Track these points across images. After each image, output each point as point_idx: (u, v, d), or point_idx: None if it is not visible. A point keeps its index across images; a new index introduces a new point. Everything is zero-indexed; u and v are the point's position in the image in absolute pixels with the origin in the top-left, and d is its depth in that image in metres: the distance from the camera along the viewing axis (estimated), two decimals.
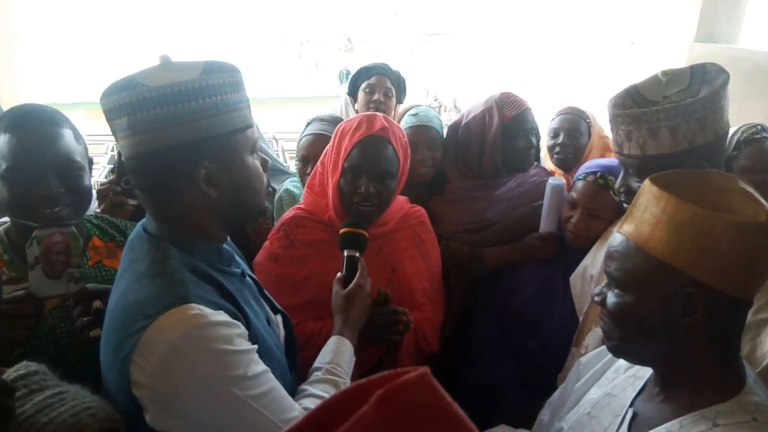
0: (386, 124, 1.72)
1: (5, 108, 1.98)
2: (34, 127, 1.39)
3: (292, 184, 2.39)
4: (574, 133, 2.49)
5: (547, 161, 2.70)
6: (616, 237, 1.07)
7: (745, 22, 3.82)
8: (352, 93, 2.91)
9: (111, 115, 1.09)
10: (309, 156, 2.21)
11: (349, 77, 3.00)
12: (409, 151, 1.82)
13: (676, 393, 1.04)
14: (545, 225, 2.13)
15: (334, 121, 2.26)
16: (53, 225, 1.29)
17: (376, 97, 2.76)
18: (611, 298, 1.06)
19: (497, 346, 2.10)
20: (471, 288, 2.18)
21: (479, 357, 2.13)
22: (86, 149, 1.50)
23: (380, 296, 1.61)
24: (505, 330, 2.11)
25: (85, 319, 1.28)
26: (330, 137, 2.15)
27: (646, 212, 1.00)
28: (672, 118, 1.33)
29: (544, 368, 1.95)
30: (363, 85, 2.82)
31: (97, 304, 1.28)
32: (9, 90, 3.44)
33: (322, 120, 2.30)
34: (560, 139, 2.51)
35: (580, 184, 1.97)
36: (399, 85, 2.87)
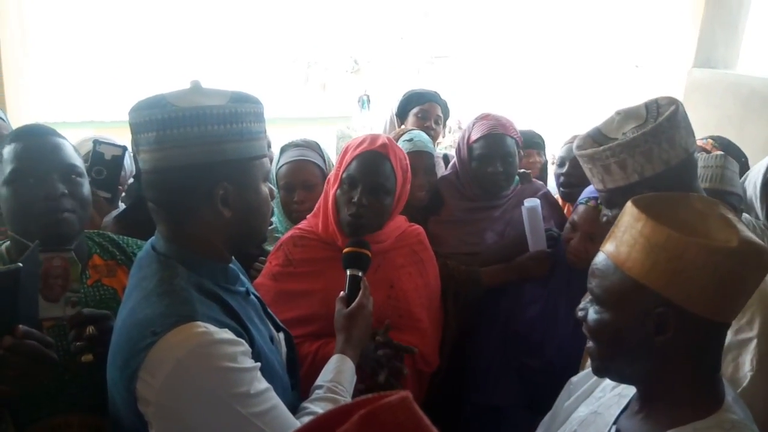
0: (389, 143, 1.79)
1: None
2: (38, 136, 1.47)
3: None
4: (579, 163, 2.45)
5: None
6: (599, 255, 1.11)
7: (743, 48, 3.87)
8: (401, 115, 3.05)
9: (139, 129, 1.15)
10: (294, 183, 2.23)
11: (368, 101, 3.17)
12: (409, 174, 1.86)
13: (656, 410, 1.07)
14: (533, 245, 2.15)
15: (310, 145, 2.32)
16: (53, 249, 1.32)
17: (427, 123, 2.91)
18: (592, 314, 1.10)
19: (501, 367, 2.11)
20: (471, 307, 2.20)
21: (483, 378, 2.13)
22: (83, 166, 1.57)
23: (380, 331, 1.64)
24: (508, 350, 2.11)
25: (78, 344, 1.31)
26: (310, 161, 2.22)
27: (626, 233, 1.04)
28: (618, 155, 1.41)
29: (547, 387, 1.97)
30: (415, 110, 2.96)
31: (90, 329, 1.31)
32: (20, 109, 3.51)
33: (297, 146, 2.32)
34: (565, 169, 2.49)
35: (581, 207, 2.00)
36: (446, 114, 3.05)
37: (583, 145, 1.53)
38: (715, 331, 1.03)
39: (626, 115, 1.50)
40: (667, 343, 1.00)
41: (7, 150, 1.43)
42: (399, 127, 3.02)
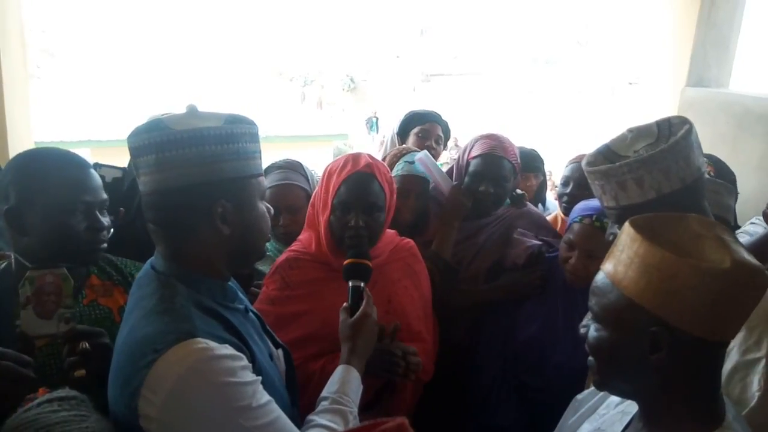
0: (371, 161, 1.82)
1: (14, 150, 2.06)
2: (77, 166, 1.55)
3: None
4: (583, 182, 2.39)
5: (558, 207, 2.75)
6: (599, 274, 1.13)
7: (735, 67, 3.91)
8: (402, 134, 3.09)
9: (138, 152, 1.18)
10: (279, 207, 2.21)
11: (376, 122, 3.20)
12: (395, 186, 1.89)
13: (657, 427, 1.08)
14: (444, 189, 2.29)
15: (292, 166, 2.33)
16: (45, 266, 1.33)
17: (428, 143, 2.94)
18: (592, 331, 1.12)
19: (501, 386, 2.10)
20: (471, 325, 2.19)
21: (483, 398, 2.12)
22: None
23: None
24: (507, 369, 2.11)
25: (71, 359, 1.31)
26: (293, 183, 2.24)
27: (623, 253, 1.06)
28: (635, 171, 1.41)
29: (547, 407, 1.96)
30: (416, 130, 3.01)
31: (83, 345, 1.32)
32: (22, 129, 3.53)
33: (280, 168, 2.32)
34: (569, 188, 2.52)
35: (576, 226, 2.00)
36: (446, 134, 3.10)
37: (595, 162, 1.53)
38: (712, 351, 1.03)
39: (638, 133, 1.51)
40: (662, 362, 1.01)
41: (55, 177, 1.49)
42: (399, 146, 3.05)
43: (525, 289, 2.15)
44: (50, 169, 1.50)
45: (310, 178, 2.36)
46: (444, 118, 3.12)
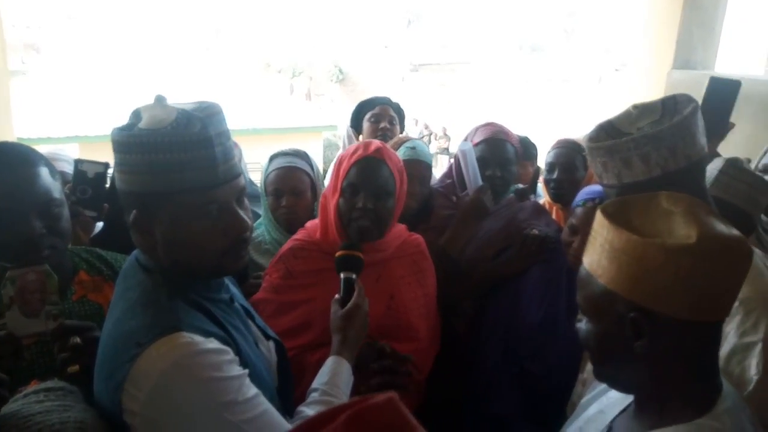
0: (381, 147, 1.80)
1: None
2: (10, 167, 1.38)
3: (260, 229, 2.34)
4: (569, 167, 2.50)
5: (545, 193, 2.75)
6: (582, 267, 1.10)
7: (721, 50, 3.93)
8: (356, 126, 3.05)
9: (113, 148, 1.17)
10: (282, 189, 2.23)
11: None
12: (405, 176, 1.86)
13: (646, 410, 1.07)
14: (471, 187, 2.21)
15: (298, 153, 2.33)
16: (25, 264, 1.28)
17: (382, 125, 2.90)
18: (581, 325, 1.10)
19: (502, 375, 2.08)
20: (472, 312, 2.18)
21: (483, 385, 2.09)
22: (62, 185, 1.51)
23: (377, 348, 1.63)
24: (508, 355, 2.09)
25: (63, 355, 1.28)
26: (299, 168, 2.23)
27: (597, 241, 1.04)
28: (642, 147, 1.37)
29: (548, 395, 1.94)
30: (368, 116, 2.97)
31: (74, 340, 1.28)
32: (4, 125, 3.49)
33: (286, 154, 2.33)
34: (555, 174, 2.52)
35: (579, 210, 1.98)
36: (400, 114, 3.05)
37: (597, 138, 1.49)
38: (701, 331, 0.98)
39: (643, 110, 1.48)
40: (647, 348, 0.98)
41: None
42: (357, 138, 3.04)
43: (520, 259, 2.13)
44: None
45: (314, 168, 2.36)
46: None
